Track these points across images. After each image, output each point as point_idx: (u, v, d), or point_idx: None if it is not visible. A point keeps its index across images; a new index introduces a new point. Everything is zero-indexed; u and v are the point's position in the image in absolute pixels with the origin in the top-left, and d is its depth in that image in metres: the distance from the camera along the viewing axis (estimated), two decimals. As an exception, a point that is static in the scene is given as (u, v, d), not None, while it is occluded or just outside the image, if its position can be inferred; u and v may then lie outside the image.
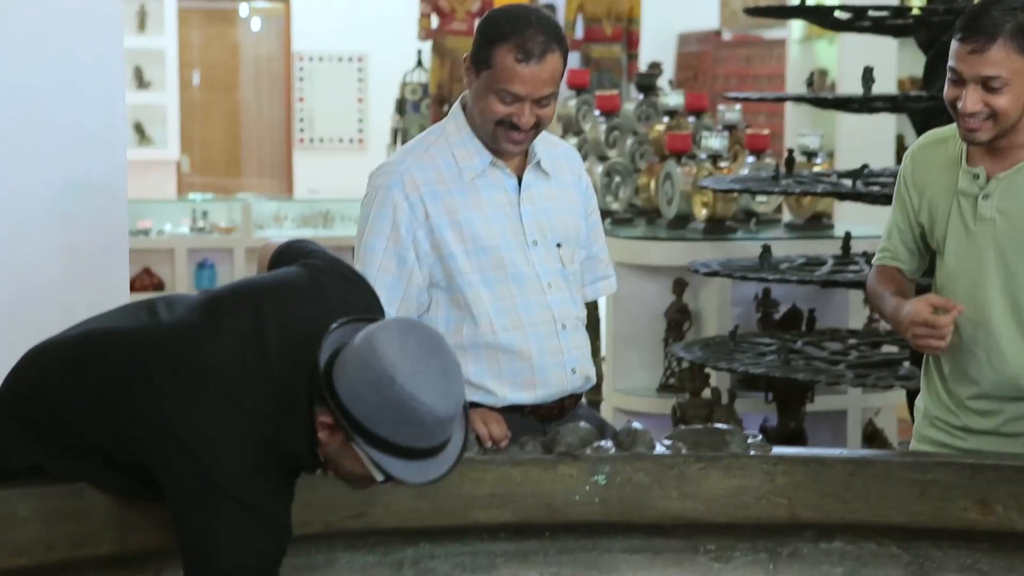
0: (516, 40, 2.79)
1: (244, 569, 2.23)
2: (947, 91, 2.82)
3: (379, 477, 2.23)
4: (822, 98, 4.50)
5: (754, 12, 4.71)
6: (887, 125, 8.29)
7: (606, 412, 5.51)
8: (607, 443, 2.76)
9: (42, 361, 2.42)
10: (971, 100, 2.76)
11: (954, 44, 2.78)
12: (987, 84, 2.75)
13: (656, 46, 11.63)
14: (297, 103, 11.77)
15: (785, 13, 5.47)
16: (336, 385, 2.19)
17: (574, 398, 3.02)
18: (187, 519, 2.24)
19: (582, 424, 2.79)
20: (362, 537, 2.64)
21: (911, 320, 2.81)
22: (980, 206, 2.87)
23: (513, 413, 2.89)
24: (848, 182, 4.47)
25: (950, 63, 2.80)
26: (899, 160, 6.63)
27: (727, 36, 12.19)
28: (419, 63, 8.49)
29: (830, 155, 8.52)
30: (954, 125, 2.92)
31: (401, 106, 8.43)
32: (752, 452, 2.76)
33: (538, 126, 2.87)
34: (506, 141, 2.87)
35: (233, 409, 2.24)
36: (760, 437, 2.80)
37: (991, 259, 2.87)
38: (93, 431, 2.33)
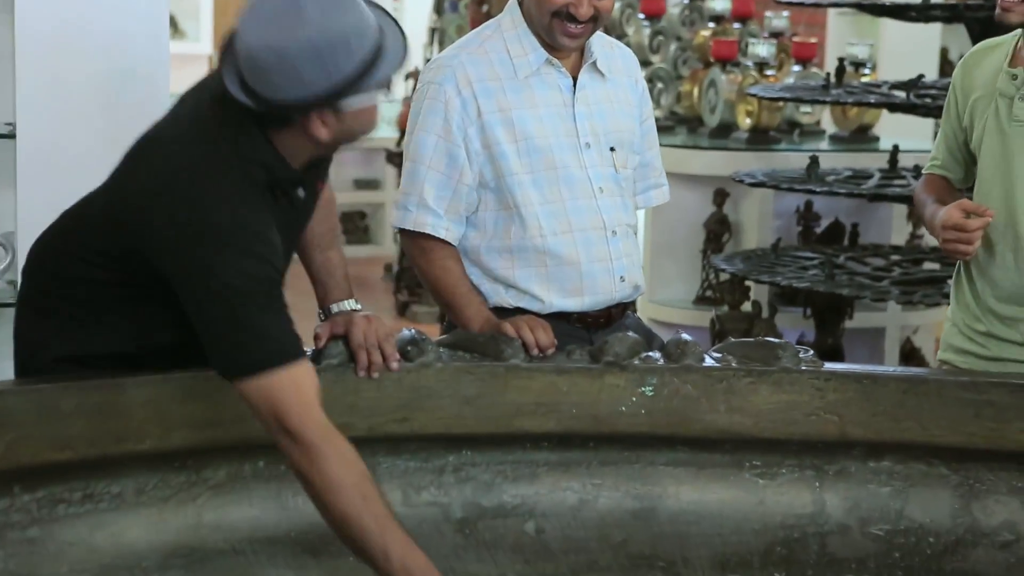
0: None
1: (241, 292, 2.23)
2: None
3: (382, 98, 2.32)
4: (878, 5, 4.38)
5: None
6: (932, 37, 8.13)
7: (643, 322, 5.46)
8: (655, 354, 2.71)
9: (47, 236, 2.51)
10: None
11: None
12: None
13: (695, -50, 11.45)
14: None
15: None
16: (279, 91, 2.22)
17: (622, 307, 2.96)
18: (186, 261, 2.25)
19: (630, 334, 2.73)
20: (404, 442, 2.61)
21: (942, 224, 2.83)
22: (1016, 106, 2.84)
23: (559, 321, 2.84)
24: (901, 93, 4.37)
25: None
26: (944, 73, 6.52)
27: (768, -58, 11.99)
28: (458, -39, 8.35)
29: (874, 66, 8.39)
30: (1010, 34, 2.92)
31: (439, 5, 8.29)
32: (803, 367, 2.70)
33: (596, 20, 2.79)
34: (562, 34, 2.79)
35: (200, 145, 2.30)
36: (811, 352, 2.74)
37: (1022, 160, 2.84)
38: (106, 259, 2.38)
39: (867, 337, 5.32)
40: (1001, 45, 2.94)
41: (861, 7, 4.43)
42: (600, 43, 2.92)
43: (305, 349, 2.30)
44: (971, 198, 2.94)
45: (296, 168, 2.36)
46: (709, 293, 5.31)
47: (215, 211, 2.25)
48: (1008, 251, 2.88)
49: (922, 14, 4.34)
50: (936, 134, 3.17)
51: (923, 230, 5.45)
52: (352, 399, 2.55)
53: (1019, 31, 2.89)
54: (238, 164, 2.29)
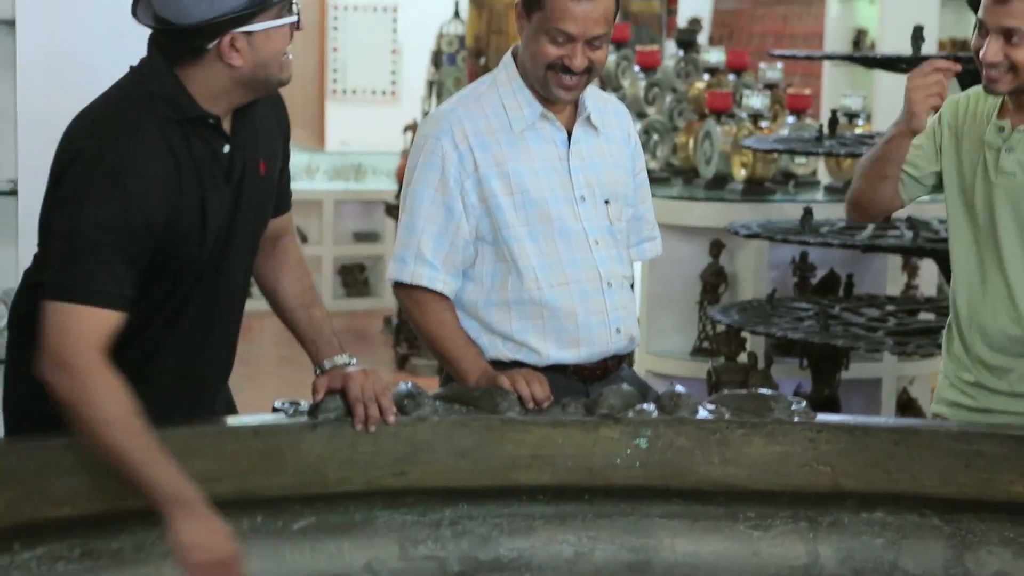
0: None
1: (90, 228, 2.31)
2: (974, 41, 2.88)
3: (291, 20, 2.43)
4: (869, 57, 4.44)
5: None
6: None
7: (639, 375, 5.48)
8: (649, 406, 2.73)
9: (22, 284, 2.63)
10: (991, 50, 2.81)
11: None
12: (1008, 35, 2.79)
13: (692, 2, 11.54)
14: (331, 53, 11.71)
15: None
16: (188, 13, 2.33)
17: (617, 359, 2.99)
18: (68, 179, 2.36)
19: (625, 386, 2.76)
20: (401, 496, 2.62)
21: (911, 79, 2.85)
22: (1002, 158, 2.89)
23: (556, 373, 2.86)
24: (892, 146, 4.40)
25: (978, 14, 2.85)
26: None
27: (765, -6, 12.09)
28: (456, 14, 8.41)
29: (868, 117, 8.45)
30: None
31: (437, 58, 8.35)
32: (796, 419, 2.73)
33: (590, 71, 2.82)
34: (557, 86, 2.83)
35: (110, 92, 2.45)
36: (804, 404, 2.77)
37: (1008, 212, 2.89)
38: None
39: (864, 388, 5.33)
40: (979, 97, 2.98)
41: (853, 60, 4.48)
42: (593, 98, 2.96)
43: (117, 303, 2.35)
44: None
45: (215, 112, 2.43)
46: (706, 344, 5.34)
47: (107, 142, 2.35)
48: (997, 299, 2.92)
49: (913, 66, 4.38)
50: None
51: (918, 279, 5.49)
52: (349, 453, 2.57)
53: None
54: (141, 100, 2.40)
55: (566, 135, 2.91)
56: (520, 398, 2.71)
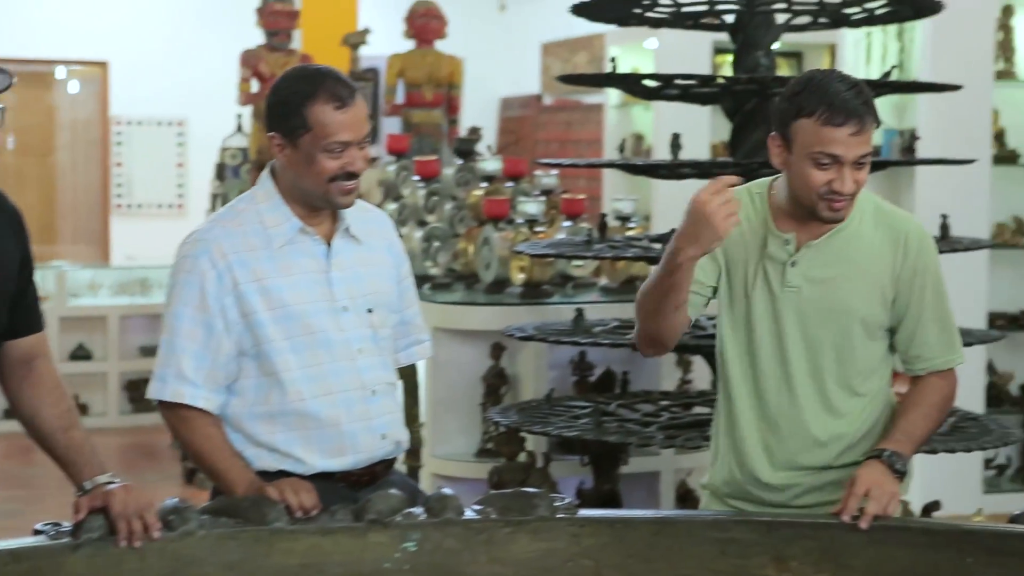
0: (325, 93, 2.83)
1: None
2: (815, 176, 2.81)
3: None
4: (632, 164, 4.61)
5: (568, 80, 4.82)
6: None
7: (425, 478, 5.52)
8: (417, 509, 2.78)
9: None
10: (848, 181, 2.81)
11: (817, 128, 2.78)
12: (858, 162, 2.81)
13: (479, 110, 11.78)
14: (115, 168, 11.61)
15: (597, 81, 5.62)
16: None
17: (386, 464, 3.03)
18: None
19: (392, 491, 2.81)
20: (169, 611, 2.61)
21: (705, 202, 2.68)
22: (788, 273, 2.92)
23: (323, 481, 2.89)
24: (658, 246, 4.58)
25: (821, 148, 2.78)
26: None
27: (548, 101, 12.40)
28: (239, 128, 8.46)
29: (647, 218, 8.71)
30: (747, 185, 2.99)
31: (221, 171, 8.37)
32: (559, 515, 2.81)
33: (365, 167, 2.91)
34: (341, 194, 2.90)
35: None
36: (568, 500, 2.85)
37: (795, 325, 2.93)
38: None
39: (644, 481, 5.47)
40: (747, 197, 2.95)
41: (614, 166, 4.65)
42: (355, 209, 3.02)
43: None
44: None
45: None
46: (490, 446, 5.41)
47: None
48: (782, 418, 2.96)
49: (673, 171, 4.58)
50: None
51: (692, 374, 5.66)
52: (115, 572, 2.55)
53: (763, 187, 2.98)
54: None
55: (326, 247, 2.97)
56: (288, 508, 2.73)
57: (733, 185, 2.76)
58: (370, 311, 3.00)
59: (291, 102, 2.85)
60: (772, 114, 2.90)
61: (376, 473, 3.00)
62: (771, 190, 2.99)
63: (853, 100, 2.79)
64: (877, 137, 7.26)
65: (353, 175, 2.88)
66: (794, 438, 2.97)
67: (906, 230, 2.95)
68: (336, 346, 2.94)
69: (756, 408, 2.99)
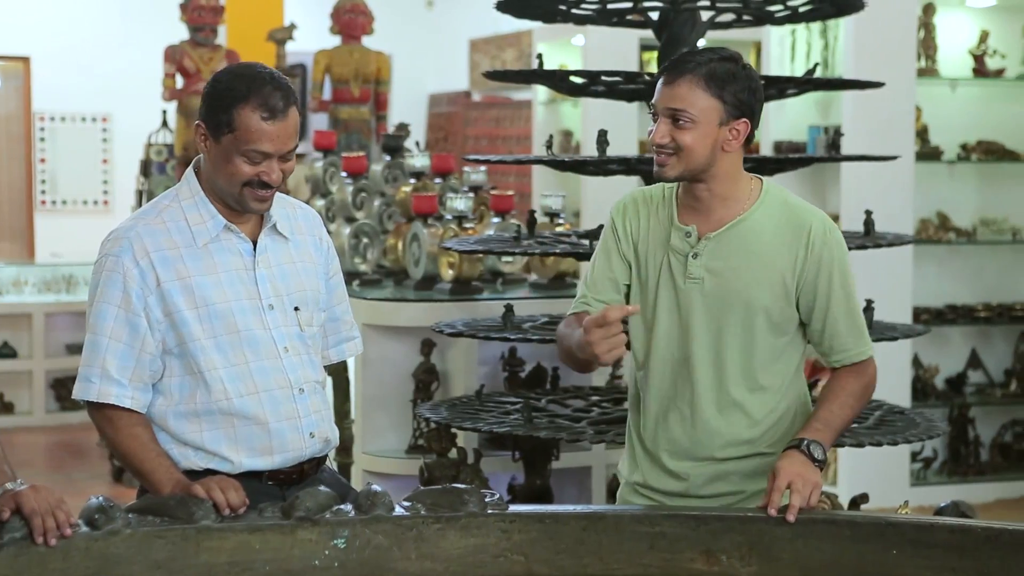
0: (258, 99, 2.80)
1: None
2: (650, 129, 2.98)
3: None
4: (559, 160, 4.62)
5: (494, 76, 4.81)
6: (631, 185, 8.55)
7: (356, 475, 5.51)
8: (347, 507, 2.77)
9: None
10: (660, 132, 2.92)
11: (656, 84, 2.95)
12: (675, 118, 2.89)
13: (408, 107, 11.77)
14: (38, 164, 11.46)
15: (524, 77, 5.61)
16: None
17: (315, 462, 3.02)
18: None
19: (321, 488, 2.80)
20: (95, 612, 2.59)
21: (586, 328, 2.77)
22: (690, 264, 2.97)
23: (251, 479, 2.88)
24: (586, 242, 4.59)
25: (652, 101, 2.96)
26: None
27: (477, 97, 12.40)
28: (164, 124, 8.38)
29: (576, 215, 8.73)
30: (658, 185, 3.06)
31: (146, 168, 8.29)
32: (489, 511, 2.81)
33: (283, 180, 2.89)
34: (254, 200, 2.88)
35: None
36: (497, 496, 2.86)
37: (699, 316, 2.98)
38: None
39: (575, 476, 5.48)
40: (656, 196, 3.05)
41: (542, 162, 4.65)
42: (281, 205, 3.01)
43: None
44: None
45: None
46: (421, 442, 5.40)
47: None
48: (685, 405, 3.01)
49: (599, 168, 4.60)
50: None
51: (622, 370, 5.68)
52: (39, 572, 2.53)
53: (674, 185, 3.07)
54: None
55: (251, 245, 2.95)
56: (216, 505, 2.72)
57: (624, 315, 2.80)
58: (297, 309, 2.98)
59: (223, 99, 2.82)
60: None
61: (304, 471, 2.99)
62: (677, 187, 3.05)
63: (688, 57, 2.93)
64: (801, 134, 7.34)
65: (267, 185, 2.86)
66: (696, 428, 3.01)
67: (809, 223, 2.99)
68: (262, 344, 2.92)
69: (660, 399, 3.04)
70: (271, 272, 2.96)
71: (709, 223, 2.98)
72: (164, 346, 2.88)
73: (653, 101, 2.94)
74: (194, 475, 2.86)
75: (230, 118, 2.81)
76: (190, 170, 2.97)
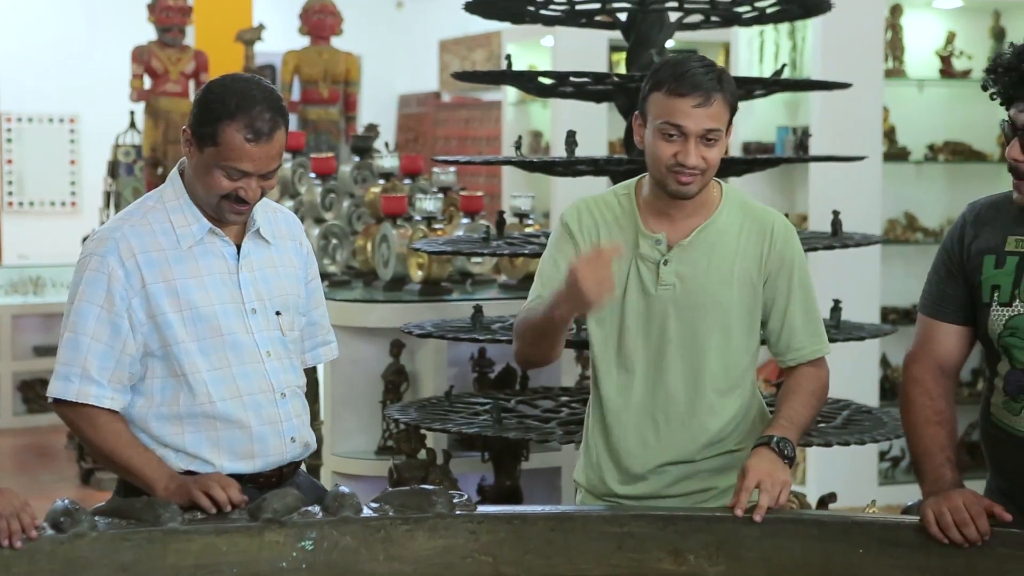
0: (244, 119, 2.78)
1: None
2: (661, 148, 2.86)
3: None
4: (528, 161, 4.61)
5: (463, 77, 4.81)
6: (600, 186, 8.56)
7: (325, 476, 5.49)
8: (314, 508, 2.77)
9: None
10: (694, 154, 2.85)
11: (666, 100, 2.85)
12: (706, 137, 2.85)
13: (377, 107, 11.77)
14: (5, 165, 11.40)
15: (493, 78, 5.62)
16: None
17: (293, 466, 3.03)
18: None
19: (289, 490, 2.79)
20: (61, 615, 2.58)
21: (571, 273, 2.72)
22: (662, 272, 2.97)
23: (232, 483, 2.87)
24: (555, 243, 4.58)
25: (666, 119, 2.85)
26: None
27: (446, 98, 12.40)
28: (132, 125, 8.35)
29: (545, 215, 8.73)
30: (610, 190, 3.04)
31: (114, 169, 8.25)
32: (457, 512, 2.81)
33: (261, 196, 2.89)
34: (231, 213, 2.88)
35: None
36: (465, 496, 2.85)
37: (672, 322, 2.97)
38: None
39: (545, 476, 5.48)
40: (611, 202, 3.02)
41: (510, 163, 4.65)
42: (263, 209, 3.00)
43: None
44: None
45: None
46: (390, 443, 5.39)
47: None
48: (658, 412, 3.00)
49: (568, 168, 4.60)
50: None
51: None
52: (3, 575, 2.51)
53: (629, 188, 3.03)
54: None
55: (235, 249, 2.95)
56: (217, 503, 2.72)
57: (613, 252, 2.78)
58: (278, 313, 2.98)
59: (211, 112, 2.80)
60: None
61: (284, 475, 3.00)
62: (639, 189, 3.03)
63: (702, 75, 2.85)
64: (770, 134, 7.36)
65: (244, 200, 2.85)
66: (671, 433, 3.00)
67: (772, 221, 3.02)
68: (245, 348, 2.91)
69: (626, 406, 3.02)
70: (254, 276, 2.95)
71: (679, 229, 2.98)
72: (146, 348, 2.87)
73: (674, 122, 2.84)
74: (174, 478, 2.86)
75: (215, 132, 2.79)
76: (175, 172, 2.96)
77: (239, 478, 2.90)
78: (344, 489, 2.82)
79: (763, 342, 3.12)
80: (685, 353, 2.98)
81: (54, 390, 2.88)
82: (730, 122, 2.93)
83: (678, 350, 2.98)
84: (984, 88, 2.81)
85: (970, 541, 2.67)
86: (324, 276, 5.87)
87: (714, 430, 3.01)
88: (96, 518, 2.63)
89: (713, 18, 4.75)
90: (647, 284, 2.98)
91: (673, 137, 2.86)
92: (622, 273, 2.97)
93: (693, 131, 2.85)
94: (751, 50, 7.47)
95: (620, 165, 4.46)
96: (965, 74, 7.42)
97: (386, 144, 7.21)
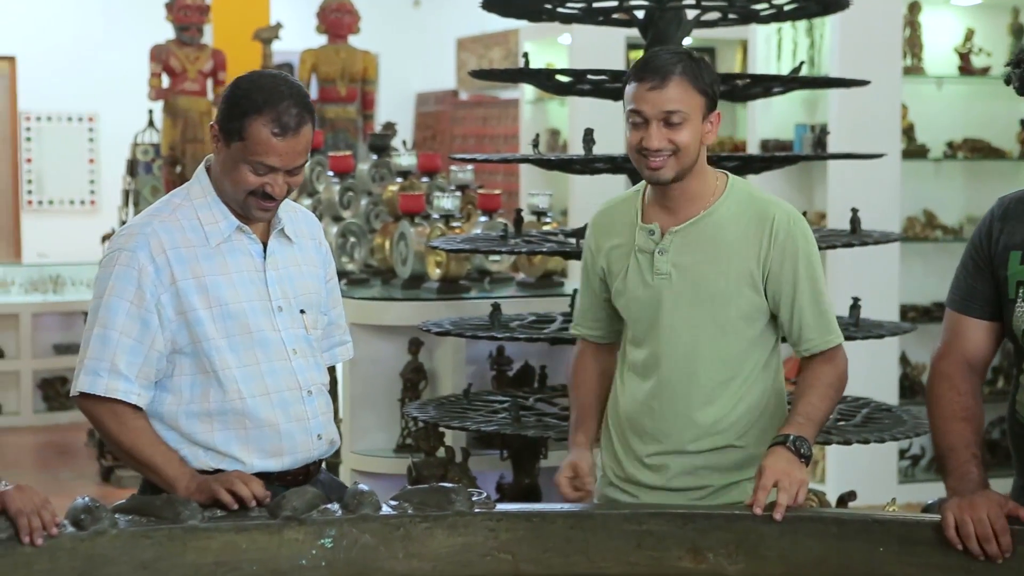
0: (271, 114, 2.79)
1: None
2: (631, 136, 2.95)
3: None
4: (545, 159, 4.61)
5: (481, 75, 4.81)
6: (618, 184, 8.56)
7: (344, 474, 5.50)
8: (333, 506, 2.77)
9: None
10: (656, 137, 2.90)
11: (630, 88, 2.94)
12: (668, 120, 2.90)
13: (395, 106, 11.77)
14: (24, 164, 11.44)
15: (510, 76, 5.62)
16: None
17: (318, 464, 3.04)
18: None
19: (308, 487, 2.80)
20: (81, 612, 2.59)
21: (561, 469, 3.11)
22: (657, 261, 3.01)
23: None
24: (574, 240, 4.59)
25: (630, 107, 2.94)
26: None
27: (464, 96, 12.40)
28: (151, 123, 8.38)
29: (564, 213, 8.73)
30: (631, 189, 3.10)
31: (133, 167, 8.28)
32: (476, 510, 2.81)
33: (288, 193, 2.89)
34: (257, 209, 2.89)
35: None
36: (485, 494, 2.86)
37: (669, 312, 3.01)
38: None
39: (563, 475, 5.47)
40: (626, 200, 3.11)
41: (528, 161, 4.65)
42: (285, 208, 3.00)
43: None
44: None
45: None
46: (409, 441, 5.40)
47: None
48: (657, 400, 3.04)
49: (586, 166, 4.60)
50: None
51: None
52: (24, 572, 2.52)
53: (641, 186, 3.10)
54: None
55: (262, 247, 2.96)
56: (241, 499, 2.73)
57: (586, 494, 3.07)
58: (303, 312, 2.99)
59: (239, 106, 2.81)
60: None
61: (311, 472, 3.00)
62: (645, 188, 3.09)
63: (663, 61, 2.92)
64: (788, 132, 7.34)
65: (271, 197, 2.86)
66: (667, 421, 3.04)
67: (773, 214, 3.02)
68: (272, 346, 2.92)
69: (632, 394, 3.07)
70: (279, 275, 2.96)
71: (674, 219, 3.03)
72: (174, 345, 2.87)
73: (634, 108, 2.93)
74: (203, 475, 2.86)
75: (242, 127, 2.80)
76: (201, 169, 2.97)
77: (267, 476, 2.90)
78: (363, 487, 2.83)
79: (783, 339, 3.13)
80: (681, 342, 3.01)
81: (82, 384, 2.87)
82: (707, 107, 2.96)
83: (673, 340, 3.01)
84: (1007, 82, 2.80)
85: (990, 557, 2.65)
86: (342, 274, 5.88)
87: (709, 420, 3.02)
88: (116, 515, 2.64)
89: (731, 15, 4.74)
90: (645, 274, 3.03)
91: (638, 124, 2.93)
92: (624, 267, 3.05)
93: (651, 114, 2.91)
94: (769, 47, 7.45)
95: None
96: (984, 71, 7.40)
97: (404, 142, 7.21)
